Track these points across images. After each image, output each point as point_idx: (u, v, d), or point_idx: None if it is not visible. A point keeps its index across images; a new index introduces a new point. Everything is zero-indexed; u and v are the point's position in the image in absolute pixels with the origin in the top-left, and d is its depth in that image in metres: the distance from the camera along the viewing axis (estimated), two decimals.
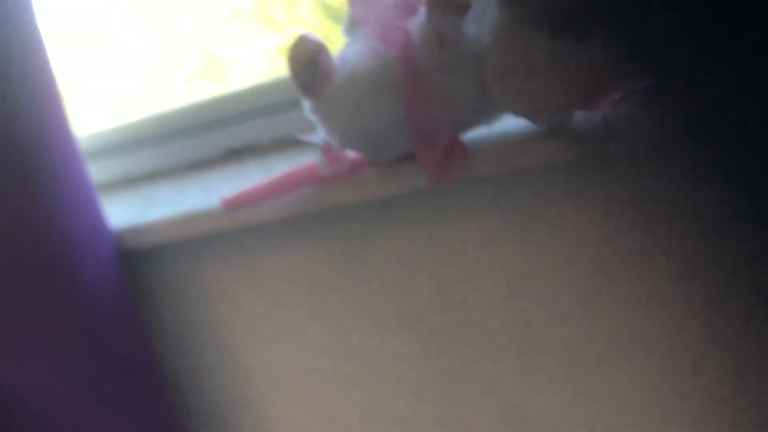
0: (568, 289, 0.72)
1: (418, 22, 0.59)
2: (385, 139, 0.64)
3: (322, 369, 0.87)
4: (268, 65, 1.09)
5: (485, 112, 0.65)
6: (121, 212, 0.93)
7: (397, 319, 0.81)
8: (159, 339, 0.94)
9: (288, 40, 0.63)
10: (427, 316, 0.80)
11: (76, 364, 0.80)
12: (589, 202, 0.70)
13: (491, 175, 0.69)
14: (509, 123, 0.67)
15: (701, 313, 0.70)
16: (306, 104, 0.64)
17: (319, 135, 0.70)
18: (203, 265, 0.90)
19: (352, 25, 0.65)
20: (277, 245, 0.84)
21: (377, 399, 0.85)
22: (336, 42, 0.69)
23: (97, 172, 1.04)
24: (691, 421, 0.73)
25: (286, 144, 0.95)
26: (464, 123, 0.66)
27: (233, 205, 0.72)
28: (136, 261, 0.92)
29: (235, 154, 1.00)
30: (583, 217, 0.71)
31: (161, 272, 0.92)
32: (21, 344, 0.80)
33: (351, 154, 0.71)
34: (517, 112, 0.60)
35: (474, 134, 0.68)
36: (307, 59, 0.58)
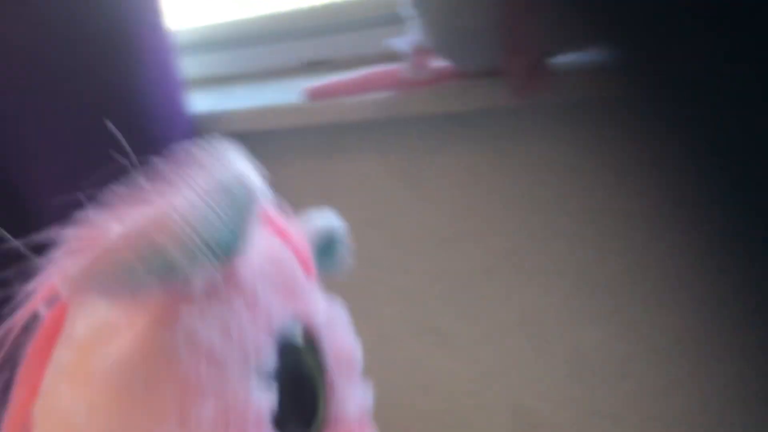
0: (632, 224, 0.73)
1: None
2: (477, 43, 0.65)
3: (371, 278, 0.90)
4: None
5: (580, 36, 0.66)
6: (199, 102, 0.96)
7: (453, 237, 0.83)
8: None
9: None
10: (484, 237, 0.81)
11: None
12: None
13: (573, 100, 0.70)
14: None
15: (747, 265, 0.70)
16: None
17: (408, 40, 0.71)
18: (272, 160, 0.91)
19: None
20: (346, 149, 0.86)
21: (421, 312, 0.88)
22: None
23: None
24: (723, 376, 0.73)
25: (365, 61, 0.96)
26: (557, 43, 0.66)
27: (316, 94, 0.74)
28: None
29: (313, 66, 1.02)
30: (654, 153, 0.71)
31: None
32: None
33: (437, 63, 0.73)
34: None
35: (564, 58, 0.68)
36: None
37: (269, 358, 0.38)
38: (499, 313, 0.83)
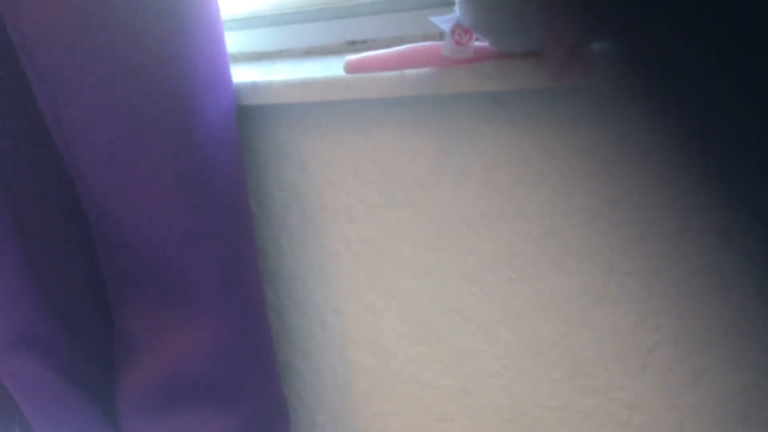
0: (666, 210, 0.73)
1: None
2: (517, 24, 0.66)
3: (398, 254, 0.91)
4: None
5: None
6: (241, 74, 0.98)
7: (482, 218, 0.84)
8: (252, 195, 1.00)
9: None
10: (513, 219, 0.82)
11: (182, 198, 0.87)
12: None
13: (611, 84, 0.70)
14: None
15: None
16: None
17: (449, 18, 0.72)
18: (307, 134, 0.94)
19: None
20: (382, 124, 0.88)
21: (445, 292, 0.89)
22: None
23: None
24: (750, 368, 0.73)
25: (406, 41, 0.97)
26: (596, 29, 0.67)
27: (355, 68, 0.76)
28: (248, 117, 0.97)
29: (352, 46, 1.04)
30: None
31: (268, 132, 0.97)
32: (136, 168, 0.87)
33: (477, 42, 0.73)
34: None
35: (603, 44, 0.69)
36: None
37: None
38: (524, 296, 0.83)
